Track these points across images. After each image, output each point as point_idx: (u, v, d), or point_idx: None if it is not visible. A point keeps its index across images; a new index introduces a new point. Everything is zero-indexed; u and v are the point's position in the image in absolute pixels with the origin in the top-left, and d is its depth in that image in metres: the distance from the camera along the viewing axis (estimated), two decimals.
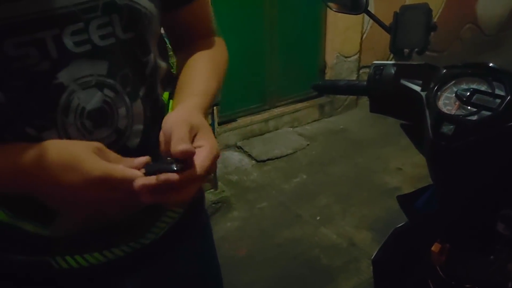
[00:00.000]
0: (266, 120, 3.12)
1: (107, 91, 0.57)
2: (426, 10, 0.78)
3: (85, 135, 0.56)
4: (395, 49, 0.83)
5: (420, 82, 0.80)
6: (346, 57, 3.34)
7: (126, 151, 0.57)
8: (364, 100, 3.49)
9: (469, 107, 0.72)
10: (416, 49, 0.80)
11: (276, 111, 3.18)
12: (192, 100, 0.62)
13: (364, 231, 2.22)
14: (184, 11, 0.71)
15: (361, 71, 3.47)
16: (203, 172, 0.52)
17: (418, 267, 0.97)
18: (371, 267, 1.13)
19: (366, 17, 3.38)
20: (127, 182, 0.50)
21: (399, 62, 0.84)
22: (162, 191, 0.50)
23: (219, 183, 2.45)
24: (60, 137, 0.55)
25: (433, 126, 0.73)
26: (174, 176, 0.49)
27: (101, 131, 0.57)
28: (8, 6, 0.49)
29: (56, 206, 0.54)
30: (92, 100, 0.56)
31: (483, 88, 0.72)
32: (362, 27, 3.32)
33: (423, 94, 0.79)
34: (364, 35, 3.37)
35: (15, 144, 0.52)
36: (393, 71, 0.84)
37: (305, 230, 2.25)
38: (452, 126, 0.71)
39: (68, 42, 0.53)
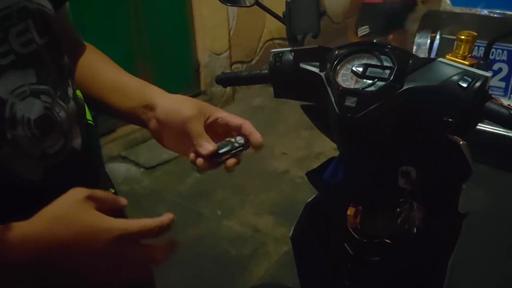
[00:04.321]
0: None
1: (44, 97, 0.55)
2: None
3: (37, 144, 0.54)
4: (291, 36, 0.89)
5: (317, 64, 0.87)
6: (217, 55, 3.41)
7: (74, 153, 0.58)
8: (240, 95, 3.61)
9: (365, 80, 0.80)
10: (311, 34, 0.87)
11: None
12: (154, 89, 0.69)
13: (265, 216, 2.32)
14: (60, 12, 0.70)
15: (233, 66, 3.57)
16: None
17: (334, 234, 1.05)
18: (290, 245, 1.19)
19: (231, 14, 3.50)
20: (146, 233, 0.50)
21: (295, 48, 0.90)
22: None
23: None
24: (14, 151, 0.51)
25: (337, 101, 0.81)
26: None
27: (50, 138, 0.56)
28: None
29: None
30: (33, 109, 0.53)
31: (373, 62, 0.82)
32: (229, 24, 3.42)
33: (322, 74, 0.86)
34: (231, 32, 3.48)
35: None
36: (291, 57, 0.90)
37: (208, 227, 2.27)
38: (354, 99, 0.79)
39: None
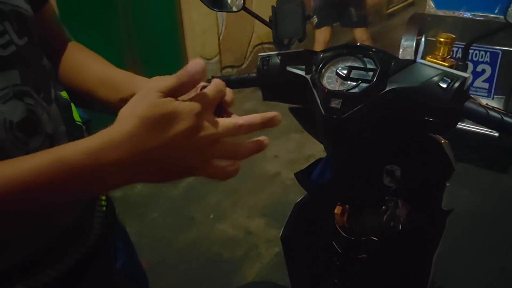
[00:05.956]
0: None
1: (27, 99, 0.55)
2: (300, 2, 0.88)
3: (22, 147, 0.54)
4: (277, 40, 0.92)
5: (304, 67, 0.90)
6: (208, 60, 3.43)
7: None
8: None
9: (349, 82, 0.83)
10: (297, 38, 0.89)
11: None
12: (141, 79, 0.69)
13: (257, 219, 2.34)
14: (43, 12, 0.71)
15: (223, 71, 3.59)
16: None
17: (323, 233, 1.08)
18: (281, 246, 1.21)
19: (220, 19, 3.52)
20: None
21: (282, 52, 0.92)
22: None
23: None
24: None
25: (323, 103, 0.83)
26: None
27: (35, 140, 0.56)
28: None
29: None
30: (16, 111, 0.53)
31: (357, 64, 0.84)
32: (218, 29, 3.45)
33: (308, 77, 0.89)
34: (221, 37, 3.50)
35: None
36: (278, 60, 0.92)
37: (201, 230, 2.28)
38: (339, 100, 0.81)
39: None
